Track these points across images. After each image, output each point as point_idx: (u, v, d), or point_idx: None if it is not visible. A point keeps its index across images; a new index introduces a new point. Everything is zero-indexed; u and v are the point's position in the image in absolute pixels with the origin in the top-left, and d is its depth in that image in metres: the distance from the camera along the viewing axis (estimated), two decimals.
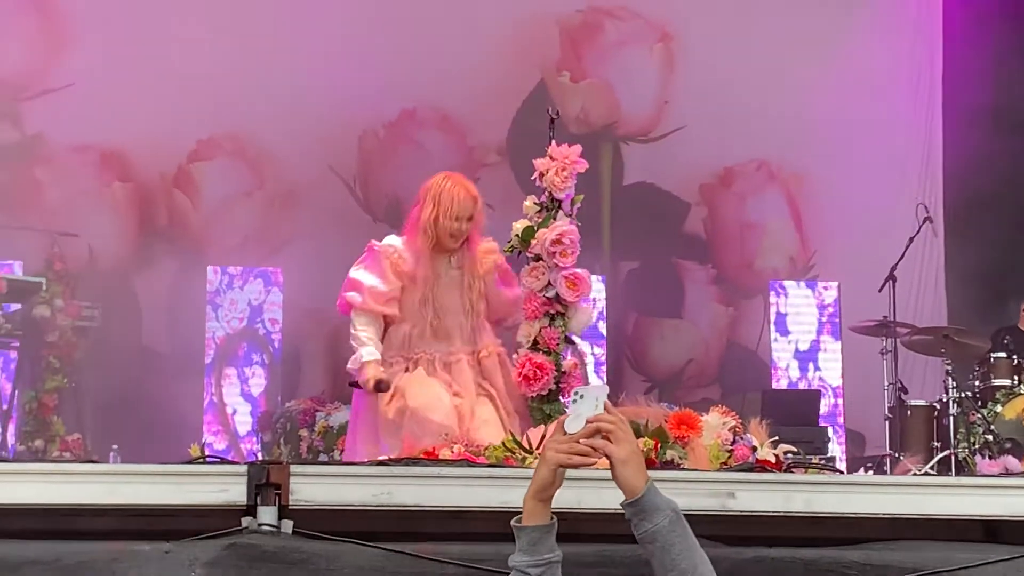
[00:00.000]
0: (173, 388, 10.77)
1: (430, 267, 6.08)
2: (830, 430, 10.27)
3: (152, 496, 4.31)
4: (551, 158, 5.99)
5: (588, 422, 3.08)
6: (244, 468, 4.34)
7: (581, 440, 3.09)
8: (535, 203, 6.01)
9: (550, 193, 5.98)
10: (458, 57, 11.15)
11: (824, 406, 10.69)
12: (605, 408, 3.11)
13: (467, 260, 6.12)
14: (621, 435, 3.09)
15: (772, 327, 11.30)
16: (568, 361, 5.97)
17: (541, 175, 5.99)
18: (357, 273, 6.28)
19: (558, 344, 5.92)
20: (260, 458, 9.14)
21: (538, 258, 5.95)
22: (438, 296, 6.08)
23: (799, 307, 11.39)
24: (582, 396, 3.13)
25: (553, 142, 6.08)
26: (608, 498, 4.41)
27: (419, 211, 6.12)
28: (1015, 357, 9.34)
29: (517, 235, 5.97)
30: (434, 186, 6.16)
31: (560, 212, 5.99)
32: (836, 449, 10.48)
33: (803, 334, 11.35)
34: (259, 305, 10.81)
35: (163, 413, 10.49)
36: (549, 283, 5.95)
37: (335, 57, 10.99)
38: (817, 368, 11.31)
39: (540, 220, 5.98)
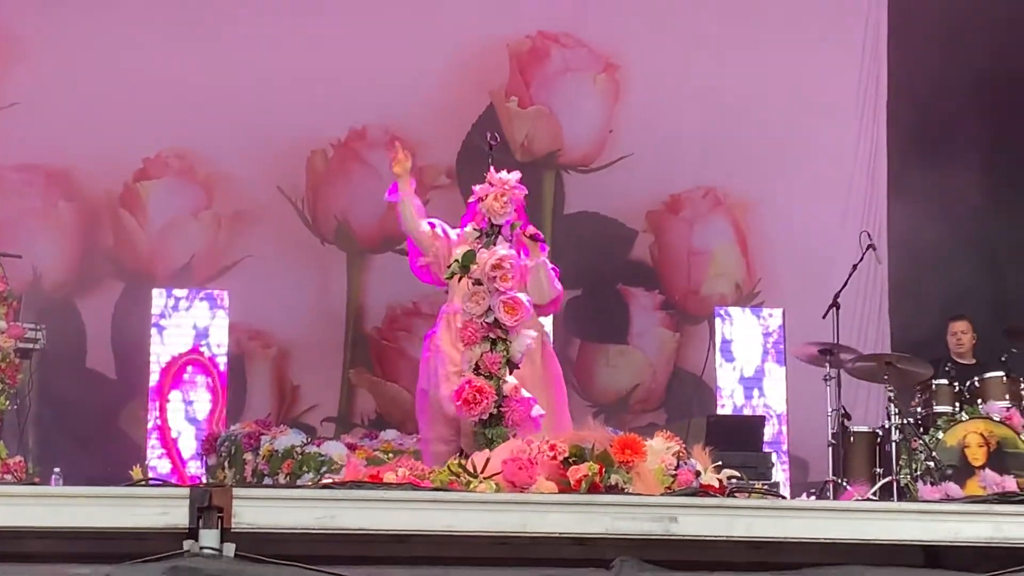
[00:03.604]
0: (117, 411, 10.71)
1: None
2: (774, 456, 10.31)
3: (94, 519, 4.28)
4: (490, 184, 6.03)
5: None
6: (186, 491, 4.32)
7: None
8: (475, 228, 6.05)
9: (490, 219, 6.02)
10: (409, 78, 11.16)
11: (768, 432, 10.74)
12: None
13: None
14: None
15: (717, 353, 11.34)
16: (508, 385, 6.00)
17: (480, 200, 6.03)
18: None
19: (499, 368, 5.95)
20: (204, 481, 9.09)
21: (478, 283, 5.98)
22: None
23: (744, 333, 11.45)
24: None
25: (492, 168, 6.12)
26: (553, 521, 4.44)
27: None
28: (956, 384, 9.42)
29: (457, 260, 6.01)
30: None
31: (500, 238, 6.03)
32: (780, 475, 10.52)
33: (748, 360, 11.41)
34: (205, 328, 10.76)
35: (107, 436, 10.43)
36: (489, 308, 5.98)
37: (285, 75, 10.99)
38: (762, 394, 11.37)
39: (480, 245, 6.02)
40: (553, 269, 6.77)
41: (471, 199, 6.11)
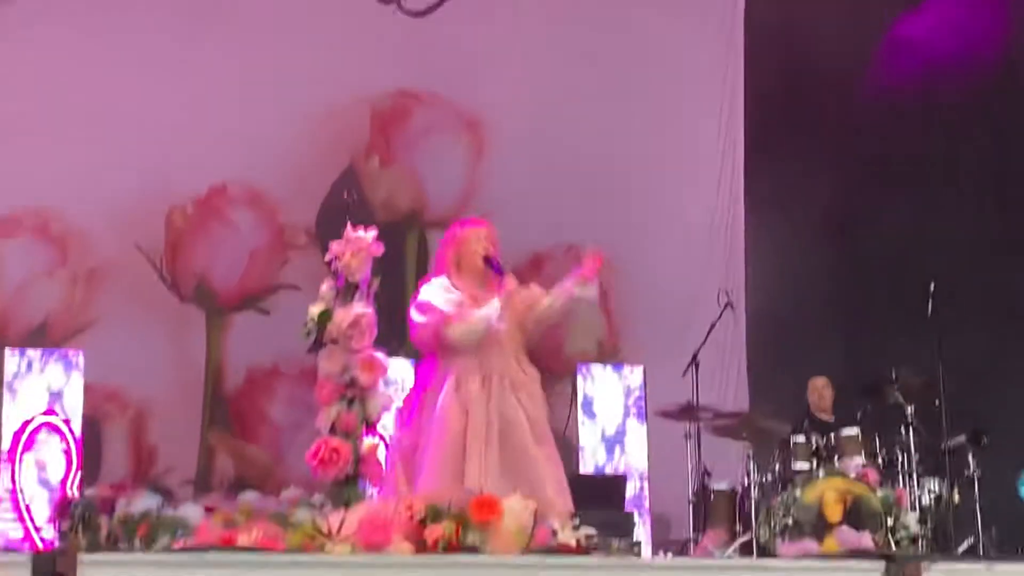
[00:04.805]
0: None
1: None
2: (636, 514, 10.32)
3: None
4: (347, 241, 6.03)
5: None
6: (27, 556, 4.20)
7: None
8: (332, 287, 6.04)
9: (346, 277, 6.00)
10: (270, 134, 11.09)
11: (630, 490, 10.75)
12: None
13: None
14: None
15: (580, 410, 11.36)
16: (366, 445, 5.96)
17: (336, 258, 6.02)
18: None
19: (356, 428, 5.91)
20: (56, 547, 8.86)
21: (335, 342, 5.96)
22: None
23: (606, 391, 11.47)
24: None
25: (349, 225, 6.12)
26: None
27: None
28: (814, 441, 9.53)
29: (313, 319, 5.98)
30: None
31: (357, 295, 6.01)
32: (643, 533, 10.54)
33: (610, 418, 11.43)
34: (59, 389, 10.53)
35: None
36: (346, 367, 5.96)
37: (143, 129, 10.85)
38: (623, 451, 11.39)
39: (337, 304, 5.99)
40: (422, 302, 6.91)
41: (327, 257, 6.09)
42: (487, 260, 7.03)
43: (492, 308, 6.92)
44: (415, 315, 6.92)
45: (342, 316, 5.91)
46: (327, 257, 6.07)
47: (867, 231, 11.76)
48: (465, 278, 7.05)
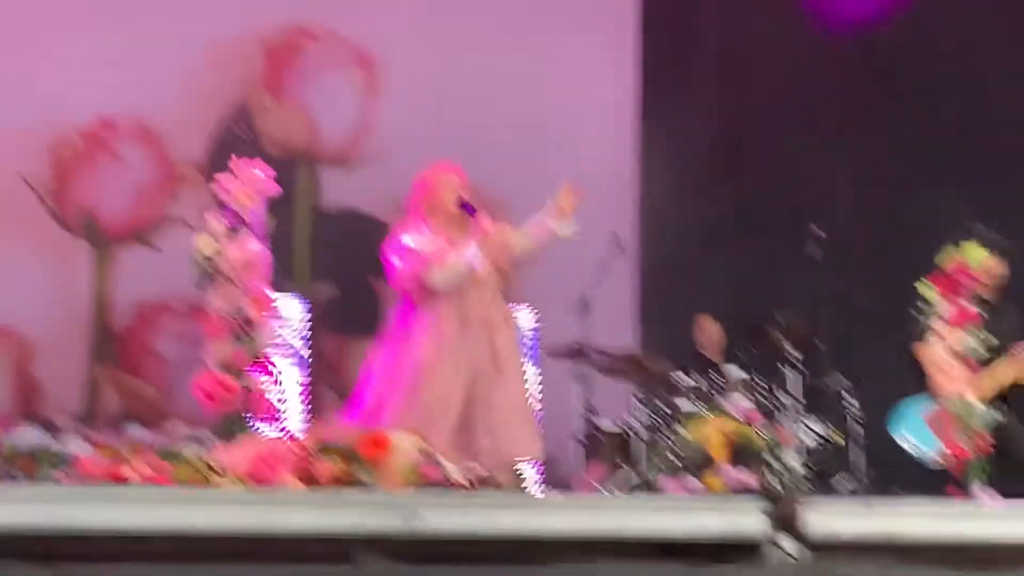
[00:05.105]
0: None
1: None
2: None
3: None
4: (238, 178, 6.01)
5: None
6: None
7: None
8: (223, 223, 6.00)
9: (237, 213, 5.98)
10: (161, 69, 10.93)
11: None
12: None
13: None
14: None
15: None
16: (255, 381, 5.95)
17: (227, 195, 6.00)
18: None
19: (245, 364, 5.90)
20: None
21: (225, 278, 5.93)
22: None
23: None
24: None
25: (241, 162, 6.09)
26: (297, 518, 4.40)
27: None
28: (700, 382, 9.65)
29: (203, 255, 5.95)
30: None
31: (248, 232, 5.99)
32: (532, 473, 10.62)
33: None
34: None
35: None
36: (235, 303, 5.95)
37: (29, 59, 10.65)
38: None
39: (227, 240, 5.96)
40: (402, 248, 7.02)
41: (218, 193, 6.05)
42: (462, 204, 7.15)
43: (471, 251, 7.06)
44: (394, 260, 7.04)
45: (232, 253, 5.88)
46: (218, 193, 6.03)
47: (759, 171, 11.86)
48: (439, 223, 7.20)
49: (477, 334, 7.17)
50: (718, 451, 9.14)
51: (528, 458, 7.43)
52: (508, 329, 7.42)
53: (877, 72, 11.89)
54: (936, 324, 6.47)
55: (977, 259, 6.47)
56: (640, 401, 9.52)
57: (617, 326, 11.47)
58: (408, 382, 6.96)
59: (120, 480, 4.92)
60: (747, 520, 4.64)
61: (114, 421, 10.58)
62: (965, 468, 6.29)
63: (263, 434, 5.86)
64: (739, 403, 9.51)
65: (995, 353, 7.33)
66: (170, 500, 4.44)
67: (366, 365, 7.42)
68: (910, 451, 7.90)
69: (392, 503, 4.54)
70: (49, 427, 9.58)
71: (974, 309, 6.47)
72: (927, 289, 6.49)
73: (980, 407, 6.29)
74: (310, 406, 10.81)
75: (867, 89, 11.90)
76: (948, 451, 7.03)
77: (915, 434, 7.87)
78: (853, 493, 9.17)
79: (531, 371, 11.40)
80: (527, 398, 7.48)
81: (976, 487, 6.21)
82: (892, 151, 11.73)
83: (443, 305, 7.12)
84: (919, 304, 6.56)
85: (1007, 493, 6.65)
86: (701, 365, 10.05)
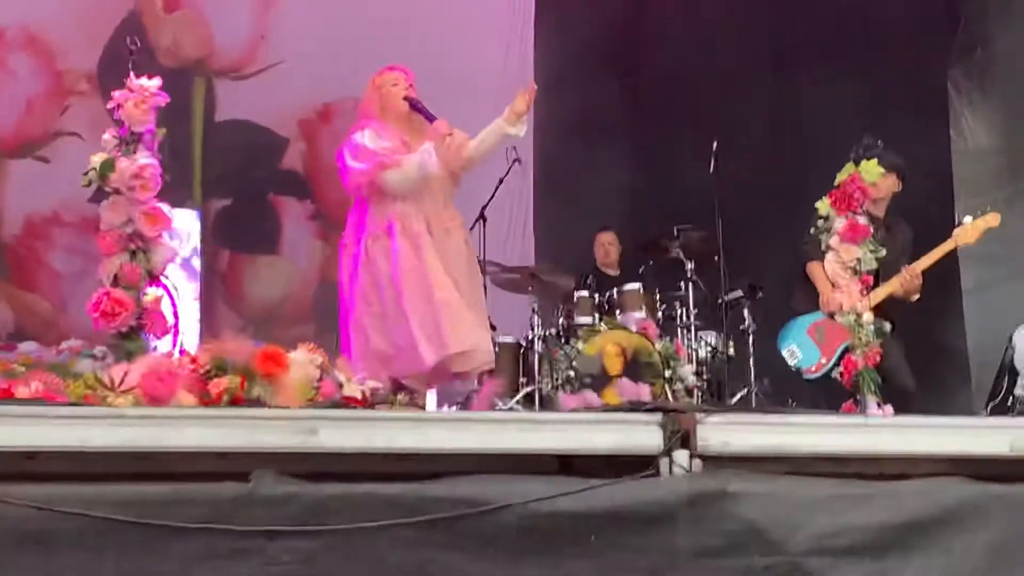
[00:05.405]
0: None
1: None
2: None
3: None
4: (129, 90, 5.92)
5: None
6: None
7: None
8: (114, 136, 5.92)
9: (130, 127, 5.91)
10: None
11: None
12: None
13: None
14: None
15: None
16: (149, 297, 5.89)
17: (119, 107, 5.91)
18: None
19: (139, 280, 5.85)
20: None
21: (117, 192, 5.87)
22: None
23: None
24: None
25: (132, 74, 6.00)
26: (191, 435, 4.38)
27: None
28: (597, 296, 9.73)
29: (95, 169, 5.87)
30: None
31: (140, 146, 5.92)
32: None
33: None
34: None
35: None
36: (129, 218, 5.88)
37: None
38: None
39: (120, 153, 5.89)
40: (356, 147, 7.05)
41: (110, 105, 5.96)
42: (410, 103, 7.06)
43: (426, 151, 7.00)
44: (349, 160, 6.97)
45: (125, 166, 5.79)
46: (109, 105, 5.94)
47: (655, 81, 11.89)
48: (391, 124, 7.13)
49: (438, 235, 7.16)
50: (613, 364, 9.23)
51: (488, 362, 7.51)
52: (463, 232, 7.44)
53: None
54: (830, 239, 6.55)
55: (872, 175, 6.54)
56: (537, 315, 9.57)
57: (515, 240, 11.52)
58: (406, 287, 6.96)
59: (12, 397, 4.86)
60: (641, 434, 4.68)
61: (6, 336, 10.46)
62: (855, 380, 6.39)
63: (158, 351, 5.81)
64: (635, 316, 9.60)
65: (887, 269, 7.45)
66: (64, 417, 4.39)
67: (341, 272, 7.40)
68: (792, 364, 8.02)
69: (288, 419, 4.52)
70: None
71: (867, 224, 6.55)
72: (823, 205, 6.57)
73: (870, 318, 6.38)
74: (205, 322, 10.75)
75: None
76: (831, 362, 7.16)
77: (801, 347, 7.99)
78: (746, 404, 9.32)
79: None
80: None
81: (870, 400, 6.32)
82: (793, 57, 11.77)
83: (403, 207, 7.08)
84: (816, 219, 6.64)
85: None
86: (599, 279, 10.11)
